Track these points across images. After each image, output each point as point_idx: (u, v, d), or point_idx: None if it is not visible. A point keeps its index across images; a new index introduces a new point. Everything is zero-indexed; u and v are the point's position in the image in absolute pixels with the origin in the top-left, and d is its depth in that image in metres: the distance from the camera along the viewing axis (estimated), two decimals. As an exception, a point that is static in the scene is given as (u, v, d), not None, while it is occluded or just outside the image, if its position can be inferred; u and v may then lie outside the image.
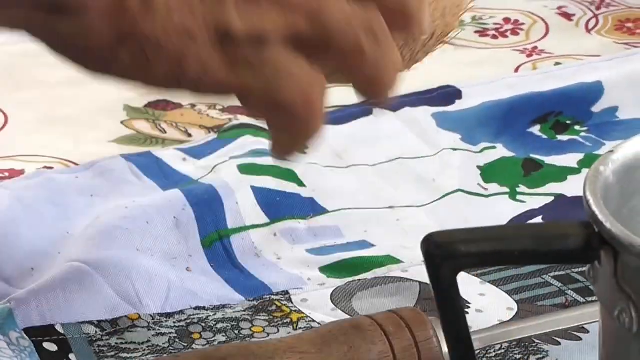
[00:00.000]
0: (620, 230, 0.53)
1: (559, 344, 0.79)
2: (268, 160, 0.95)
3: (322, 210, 0.91)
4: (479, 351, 0.77)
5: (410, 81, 0.91)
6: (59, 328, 0.78)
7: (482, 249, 0.59)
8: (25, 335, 0.77)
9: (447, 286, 0.57)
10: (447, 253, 0.57)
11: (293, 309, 0.82)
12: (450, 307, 0.59)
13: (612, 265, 0.54)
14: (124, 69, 0.56)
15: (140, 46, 0.54)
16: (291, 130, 0.57)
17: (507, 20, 1.25)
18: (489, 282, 0.85)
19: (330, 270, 0.85)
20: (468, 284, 0.83)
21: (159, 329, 0.79)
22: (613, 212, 0.55)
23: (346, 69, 0.57)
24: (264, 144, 0.92)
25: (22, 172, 0.93)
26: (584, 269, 0.60)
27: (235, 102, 0.62)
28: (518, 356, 0.79)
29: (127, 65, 0.55)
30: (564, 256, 0.59)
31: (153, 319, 0.80)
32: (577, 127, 1.00)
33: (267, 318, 0.81)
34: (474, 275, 0.85)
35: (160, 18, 0.53)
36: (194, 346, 0.78)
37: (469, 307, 0.82)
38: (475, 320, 0.80)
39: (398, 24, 0.57)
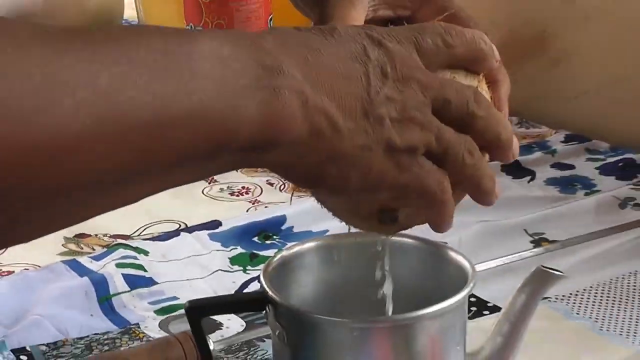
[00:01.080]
0: (273, 295, 0.54)
1: (264, 341, 0.76)
2: (129, 261, 0.91)
3: (154, 283, 0.87)
4: (223, 349, 0.75)
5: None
6: (28, 348, 0.77)
7: (213, 305, 0.61)
8: (12, 353, 0.76)
9: (196, 323, 0.58)
10: (191, 307, 0.58)
11: (141, 332, 0.80)
12: (197, 331, 0.58)
13: (273, 310, 0.55)
14: (333, 181, 0.47)
15: (341, 161, 0.46)
16: (432, 211, 0.49)
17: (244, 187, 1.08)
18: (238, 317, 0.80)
19: (159, 312, 0.83)
20: (228, 318, 0.80)
21: (77, 346, 0.77)
22: (274, 286, 0.56)
23: (455, 176, 0.48)
24: (127, 254, 0.92)
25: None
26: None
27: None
28: (244, 349, 0.76)
29: (335, 176, 0.47)
30: (253, 306, 0.59)
31: (74, 340, 0.78)
32: (275, 237, 0.96)
33: (128, 337, 0.79)
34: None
35: (348, 138, 0.45)
36: (93, 353, 0.76)
37: (222, 326, 0.80)
38: (226, 332, 0.79)
39: (496, 153, 0.50)
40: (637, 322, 0.78)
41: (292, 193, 1.06)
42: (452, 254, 0.59)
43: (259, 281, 0.57)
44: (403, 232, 0.57)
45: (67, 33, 0.38)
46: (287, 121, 0.43)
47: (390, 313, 0.57)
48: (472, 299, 0.80)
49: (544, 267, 0.60)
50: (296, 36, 0.45)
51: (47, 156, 0.36)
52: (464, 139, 0.48)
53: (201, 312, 0.59)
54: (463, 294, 0.54)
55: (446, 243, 0.54)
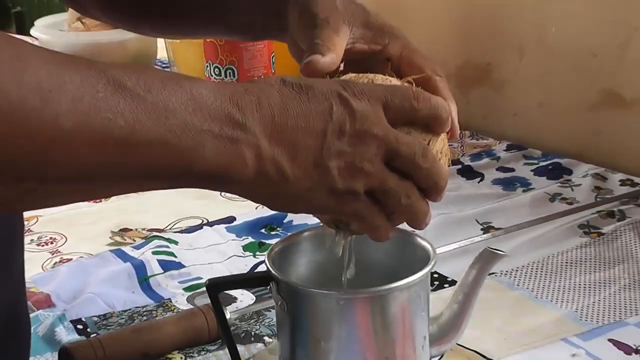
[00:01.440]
0: (275, 274, 0.54)
1: (270, 311, 0.74)
2: (160, 250, 0.90)
3: (183, 267, 0.86)
4: (237, 316, 0.74)
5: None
6: (83, 319, 0.76)
7: (228, 282, 0.62)
8: (70, 323, 0.75)
9: (215, 296, 0.57)
10: (211, 284, 0.57)
11: (172, 305, 0.79)
12: (216, 304, 0.58)
13: (275, 286, 0.55)
14: (282, 208, 0.47)
15: (286, 198, 0.45)
16: (370, 232, 0.49)
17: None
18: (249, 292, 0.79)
19: (186, 289, 0.82)
20: (241, 293, 0.79)
21: (121, 317, 0.77)
22: (277, 267, 0.55)
23: (393, 212, 0.48)
24: (161, 244, 0.91)
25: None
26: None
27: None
28: (254, 318, 0.75)
29: (282, 205, 0.47)
30: (260, 282, 0.59)
31: (119, 313, 0.77)
32: (278, 229, 0.94)
33: (162, 309, 0.78)
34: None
35: (294, 183, 0.44)
36: (134, 323, 0.75)
37: (236, 300, 0.78)
38: (240, 304, 0.77)
39: (430, 196, 0.49)
40: (564, 291, 0.78)
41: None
42: (418, 240, 0.59)
43: (265, 263, 0.56)
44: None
45: (75, 60, 0.39)
46: (237, 166, 0.42)
47: (346, 283, 0.56)
48: (435, 275, 0.80)
49: (490, 248, 0.60)
50: (272, 97, 0.44)
51: (40, 146, 0.37)
52: (404, 185, 0.47)
53: (219, 288, 0.59)
54: (426, 270, 0.54)
55: (413, 231, 0.55)
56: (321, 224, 0.55)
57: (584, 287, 0.77)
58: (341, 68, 0.54)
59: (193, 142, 0.41)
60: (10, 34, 0.39)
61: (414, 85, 0.50)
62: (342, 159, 0.45)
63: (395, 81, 0.51)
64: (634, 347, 0.67)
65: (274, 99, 0.44)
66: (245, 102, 0.43)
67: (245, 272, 0.85)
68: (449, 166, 0.51)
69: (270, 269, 0.55)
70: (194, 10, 0.61)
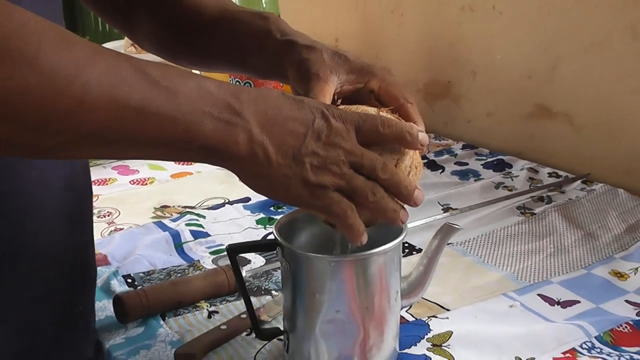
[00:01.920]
0: (281, 241, 0.53)
1: (277, 271, 0.73)
2: (191, 222, 0.87)
3: (209, 236, 0.84)
4: (251, 274, 0.73)
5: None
6: (132, 274, 0.74)
7: (243, 246, 0.58)
8: (122, 278, 0.73)
9: (233, 259, 0.56)
10: (230, 248, 0.56)
11: (201, 265, 0.77)
12: (234, 264, 0.56)
13: (281, 251, 0.53)
14: (266, 192, 0.45)
15: (269, 180, 0.44)
16: (342, 228, 0.46)
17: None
18: (261, 256, 0.77)
19: (211, 253, 0.79)
20: (254, 256, 0.77)
21: (161, 273, 0.75)
22: (282, 235, 0.54)
23: (364, 207, 0.46)
24: (192, 218, 0.88)
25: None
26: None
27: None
28: (264, 276, 0.73)
29: (266, 188, 0.45)
30: (270, 246, 0.56)
31: (159, 270, 0.76)
32: (283, 207, 0.91)
33: (193, 268, 0.76)
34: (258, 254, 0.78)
35: (276, 168, 0.43)
36: (171, 278, 0.74)
37: (250, 262, 0.76)
38: (253, 265, 0.75)
39: (400, 200, 0.47)
40: (504, 257, 0.77)
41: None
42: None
43: (273, 233, 0.55)
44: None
45: (109, 52, 0.39)
46: (230, 144, 0.42)
47: (339, 251, 0.55)
48: (405, 244, 0.79)
49: (449, 223, 0.59)
50: (271, 98, 0.44)
51: (72, 105, 0.36)
52: (370, 184, 0.46)
53: (236, 252, 0.58)
54: (398, 240, 0.53)
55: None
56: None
57: (520, 255, 0.76)
58: (338, 103, 0.54)
59: (195, 119, 0.40)
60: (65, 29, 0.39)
61: (393, 112, 0.51)
62: (315, 158, 0.44)
63: (376, 110, 0.50)
64: (556, 300, 0.66)
65: (270, 99, 0.44)
66: (244, 97, 0.42)
67: (258, 240, 0.84)
68: (419, 176, 0.50)
69: (277, 237, 0.54)
70: (213, 59, 0.62)
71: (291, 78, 0.55)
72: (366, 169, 0.46)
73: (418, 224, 0.83)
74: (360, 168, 0.46)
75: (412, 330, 0.61)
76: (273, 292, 0.71)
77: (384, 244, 0.52)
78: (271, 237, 0.82)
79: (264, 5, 1.04)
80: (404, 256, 0.75)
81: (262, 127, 0.42)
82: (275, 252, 0.55)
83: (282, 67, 0.55)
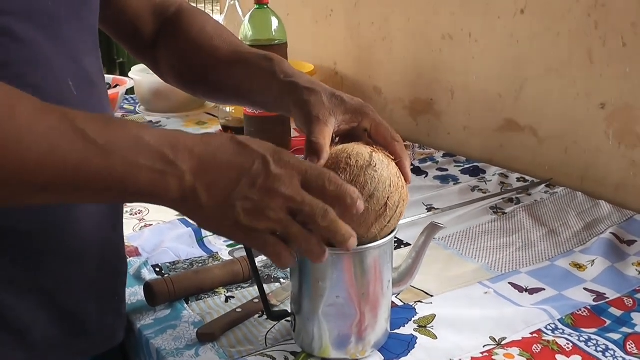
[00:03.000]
0: None
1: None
2: None
3: None
4: (262, 265, 0.72)
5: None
6: (160, 264, 0.73)
7: None
8: (151, 267, 0.73)
9: (249, 250, 0.56)
10: None
11: (219, 257, 0.75)
12: (250, 255, 0.56)
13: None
14: (198, 224, 0.44)
15: (200, 220, 0.43)
16: (275, 262, 0.44)
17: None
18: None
19: (229, 246, 0.77)
20: None
21: (185, 264, 0.74)
22: None
23: (315, 230, 0.44)
24: None
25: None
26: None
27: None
28: (273, 267, 0.71)
29: (198, 222, 0.44)
30: None
31: (184, 261, 0.75)
32: None
33: (212, 259, 0.75)
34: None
35: (206, 209, 0.41)
36: (193, 267, 0.73)
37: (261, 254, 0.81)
38: (264, 257, 0.76)
39: (341, 210, 0.44)
40: (479, 251, 0.77)
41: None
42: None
43: None
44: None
45: (51, 107, 0.38)
46: (162, 190, 0.41)
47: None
48: (396, 239, 0.77)
49: (434, 222, 0.59)
50: (212, 144, 0.42)
51: (18, 169, 0.37)
52: (303, 234, 0.43)
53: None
54: (391, 236, 0.53)
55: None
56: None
57: (493, 248, 0.75)
58: (336, 140, 0.53)
59: (129, 173, 0.39)
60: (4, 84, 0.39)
61: (383, 150, 0.50)
62: (248, 202, 0.42)
63: (370, 149, 0.50)
64: (524, 287, 0.66)
65: (211, 147, 0.42)
66: (180, 146, 0.41)
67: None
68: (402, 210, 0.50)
69: None
70: (226, 95, 0.63)
71: (294, 117, 0.54)
72: (304, 215, 0.42)
73: (405, 222, 0.83)
74: (299, 213, 0.43)
75: (401, 314, 0.60)
76: (281, 280, 0.70)
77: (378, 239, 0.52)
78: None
79: (274, 33, 1.03)
80: (396, 249, 0.74)
81: (194, 174, 0.41)
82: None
83: (286, 105, 0.54)
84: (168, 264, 0.74)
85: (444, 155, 1.12)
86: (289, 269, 0.58)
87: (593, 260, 0.69)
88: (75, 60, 0.49)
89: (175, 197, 0.41)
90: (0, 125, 0.35)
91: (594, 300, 0.62)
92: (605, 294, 0.63)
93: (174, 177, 0.40)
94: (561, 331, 0.57)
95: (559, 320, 0.59)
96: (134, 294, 0.67)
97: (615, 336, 0.55)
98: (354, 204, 0.44)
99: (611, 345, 0.54)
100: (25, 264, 0.47)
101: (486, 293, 0.64)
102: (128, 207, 0.93)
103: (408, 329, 0.58)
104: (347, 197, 0.44)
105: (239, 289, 0.68)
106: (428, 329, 0.58)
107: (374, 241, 0.49)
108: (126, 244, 0.78)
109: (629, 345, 0.54)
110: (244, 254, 0.67)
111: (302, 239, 0.43)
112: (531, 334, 0.57)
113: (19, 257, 0.47)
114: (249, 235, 0.43)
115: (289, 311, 0.57)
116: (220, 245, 0.79)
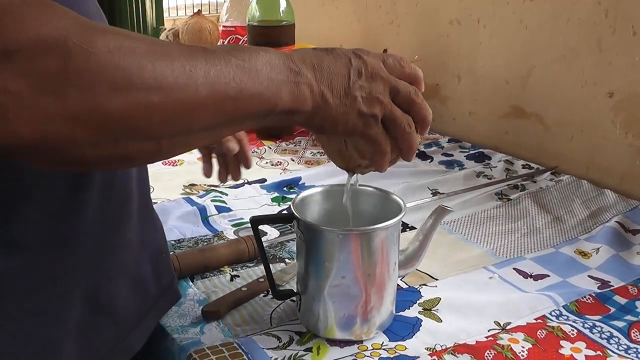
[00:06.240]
0: (297, 215, 0.52)
1: (290, 242, 0.72)
2: (216, 198, 0.85)
3: (231, 210, 0.82)
4: (267, 244, 0.72)
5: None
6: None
7: (265, 218, 0.58)
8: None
9: (256, 229, 0.55)
10: (253, 220, 0.55)
11: (224, 236, 0.75)
12: (256, 233, 0.56)
13: (297, 223, 0.53)
14: (329, 130, 0.44)
15: (331, 120, 0.43)
16: (377, 155, 0.46)
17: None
18: (274, 228, 0.76)
19: (233, 225, 0.77)
20: (270, 229, 0.76)
21: (190, 242, 0.73)
22: (297, 210, 0.53)
23: (397, 138, 0.46)
24: (216, 195, 0.87)
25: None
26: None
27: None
28: (279, 246, 0.72)
29: (329, 127, 0.44)
30: (287, 219, 0.55)
31: (189, 239, 0.74)
32: (295, 188, 0.88)
33: (217, 238, 0.74)
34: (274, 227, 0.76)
35: (334, 108, 0.42)
36: (198, 246, 0.72)
37: (267, 234, 0.75)
38: (269, 237, 0.74)
39: (421, 129, 0.46)
40: (484, 236, 0.76)
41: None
42: (394, 197, 0.56)
43: (289, 209, 0.54)
44: (368, 184, 0.56)
45: (196, 49, 0.38)
46: (302, 102, 0.42)
47: (351, 225, 0.54)
48: (403, 222, 0.78)
49: (443, 205, 0.58)
50: (310, 53, 0.43)
51: (189, 110, 0.36)
52: (406, 117, 0.46)
53: (258, 222, 0.56)
54: (398, 217, 0.53)
55: (392, 191, 0.52)
56: (329, 185, 0.54)
57: (498, 234, 0.75)
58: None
59: (276, 89, 0.40)
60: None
61: None
62: (363, 90, 0.43)
63: None
64: (529, 273, 0.65)
65: (309, 54, 0.44)
66: (295, 58, 0.42)
67: (277, 213, 0.81)
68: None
69: (294, 211, 0.53)
70: None
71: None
72: (402, 94, 0.45)
73: (410, 205, 0.82)
74: (397, 93, 0.45)
75: (406, 296, 0.60)
76: (286, 260, 0.69)
77: (385, 220, 0.51)
78: (285, 212, 0.80)
79: (282, 14, 1.01)
80: (402, 232, 0.72)
81: (316, 79, 0.42)
82: (291, 225, 0.55)
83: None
84: (173, 242, 0.73)
85: (449, 141, 1.11)
86: (293, 248, 0.57)
87: (598, 248, 0.69)
88: None
89: (310, 108, 0.42)
90: (164, 70, 0.35)
91: (598, 288, 0.62)
92: (609, 281, 0.63)
93: (306, 85, 0.42)
94: (565, 317, 0.57)
95: (563, 306, 0.58)
96: (139, 270, 0.66)
97: (620, 324, 0.55)
98: (422, 83, 0.48)
99: (615, 333, 0.54)
100: (116, 252, 0.49)
101: (491, 278, 0.64)
102: (133, 185, 0.93)
103: (413, 312, 0.57)
104: (419, 76, 0.47)
105: (244, 268, 0.68)
106: (433, 312, 0.58)
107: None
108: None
109: (634, 333, 0.54)
110: (249, 233, 0.66)
111: (404, 120, 0.45)
112: (536, 319, 0.56)
113: (116, 248, 0.49)
114: (368, 123, 0.44)
115: (295, 291, 0.57)
116: (225, 225, 0.79)
